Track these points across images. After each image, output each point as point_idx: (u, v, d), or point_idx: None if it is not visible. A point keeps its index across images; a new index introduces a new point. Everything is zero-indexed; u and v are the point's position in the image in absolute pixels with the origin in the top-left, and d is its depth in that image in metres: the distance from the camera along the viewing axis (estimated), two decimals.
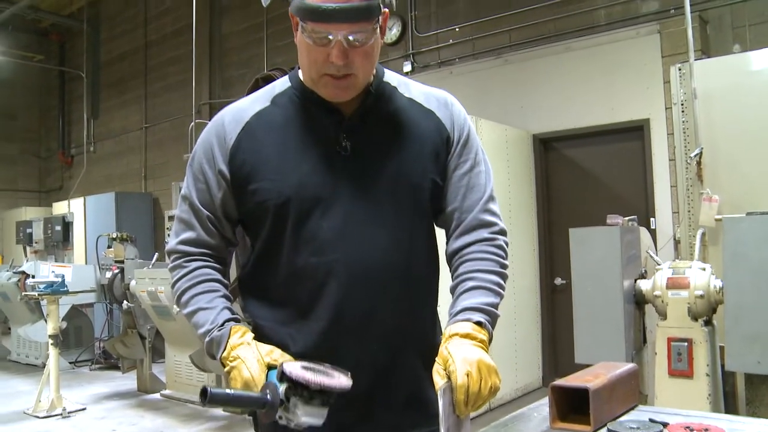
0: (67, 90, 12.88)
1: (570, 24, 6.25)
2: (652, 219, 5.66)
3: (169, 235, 1.59)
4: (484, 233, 1.53)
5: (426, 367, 1.42)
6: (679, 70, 4.61)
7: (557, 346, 6.36)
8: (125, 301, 6.63)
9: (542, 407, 1.60)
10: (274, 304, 1.52)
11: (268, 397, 1.27)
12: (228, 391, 1.29)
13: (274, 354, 1.38)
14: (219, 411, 5.83)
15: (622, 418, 1.53)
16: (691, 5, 4.61)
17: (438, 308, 1.63)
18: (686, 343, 3.52)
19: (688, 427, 1.37)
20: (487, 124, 5.79)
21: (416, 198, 1.51)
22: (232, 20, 9.59)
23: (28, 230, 10.37)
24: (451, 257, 1.56)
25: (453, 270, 1.54)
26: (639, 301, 3.82)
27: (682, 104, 4.58)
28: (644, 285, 3.77)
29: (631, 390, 1.64)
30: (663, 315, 3.65)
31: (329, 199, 1.45)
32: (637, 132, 5.83)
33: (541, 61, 6.37)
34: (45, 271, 6.93)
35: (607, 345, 3.70)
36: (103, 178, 11.56)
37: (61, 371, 6.02)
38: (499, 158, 5.86)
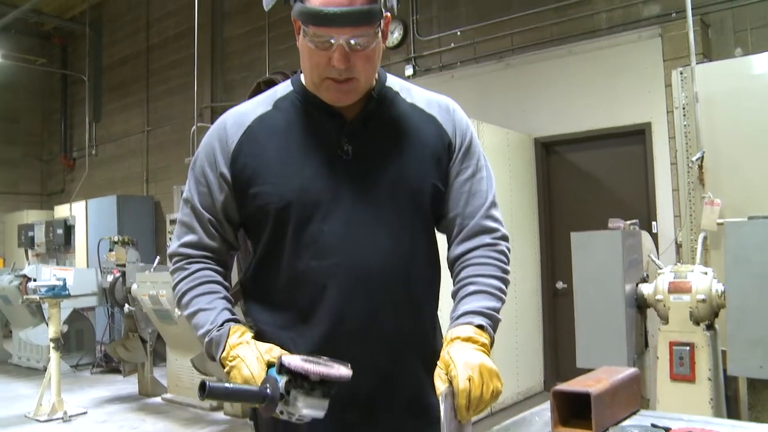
0: (69, 93, 12.90)
1: (571, 28, 6.25)
2: (653, 223, 5.65)
3: (170, 238, 1.60)
4: (486, 239, 1.54)
5: (427, 371, 1.41)
6: (681, 73, 4.60)
7: (559, 350, 6.35)
8: (126, 305, 6.63)
9: (544, 412, 1.60)
10: (276, 308, 1.52)
11: (268, 390, 1.26)
12: (227, 385, 1.28)
13: (274, 352, 1.37)
14: (220, 415, 5.83)
15: (623, 423, 1.53)
16: (692, 9, 4.60)
17: (439, 312, 1.63)
18: (688, 348, 3.52)
19: None
20: (488, 127, 5.79)
21: (417, 202, 1.51)
22: (234, 24, 9.60)
23: (30, 233, 10.38)
24: (453, 263, 1.55)
25: (455, 275, 1.54)
26: (641, 305, 3.81)
27: (683, 108, 4.58)
28: (646, 289, 3.77)
29: (633, 395, 1.64)
30: (665, 319, 3.64)
31: (330, 203, 1.46)
32: (638, 136, 5.83)
33: (542, 64, 6.37)
34: (47, 274, 6.93)
35: (609, 349, 3.69)
36: (105, 182, 11.57)
37: (62, 375, 6.02)
38: (500, 162, 5.86)
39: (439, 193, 1.54)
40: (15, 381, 7.65)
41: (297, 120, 1.52)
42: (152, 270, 6.35)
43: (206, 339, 1.45)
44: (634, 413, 1.62)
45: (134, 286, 6.36)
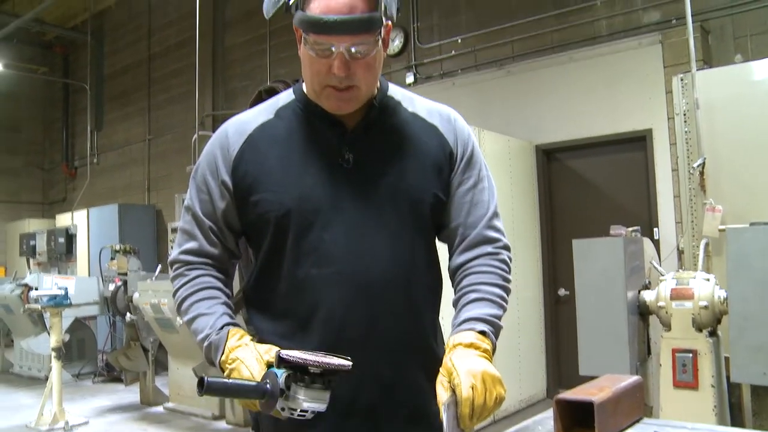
0: (70, 102, 12.95)
1: (572, 35, 6.26)
2: (655, 229, 5.65)
3: (172, 247, 1.60)
4: (487, 248, 1.54)
5: (429, 378, 1.41)
6: (681, 80, 4.61)
7: (561, 357, 6.34)
8: (128, 314, 6.63)
9: (547, 420, 1.59)
10: (276, 316, 1.52)
11: (268, 385, 1.25)
12: (226, 380, 1.28)
13: (273, 352, 1.36)
14: (223, 424, 5.81)
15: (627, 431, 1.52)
16: (692, 15, 4.61)
17: (441, 320, 1.62)
18: (691, 355, 3.50)
19: None
20: (489, 135, 5.79)
21: (417, 211, 1.51)
22: (235, 32, 9.63)
23: (32, 242, 10.40)
24: (454, 272, 1.56)
25: (456, 283, 1.54)
26: (643, 312, 3.80)
27: (684, 114, 4.58)
28: (648, 296, 3.76)
29: (636, 403, 1.63)
30: (667, 326, 3.63)
31: (331, 211, 1.46)
32: (639, 142, 5.83)
33: (543, 71, 6.38)
34: (48, 283, 6.93)
35: (612, 356, 3.68)
36: (107, 190, 11.59)
37: (63, 384, 6.01)
38: (501, 169, 5.86)
39: (440, 202, 1.54)
40: (16, 390, 7.64)
41: (298, 128, 1.52)
42: (154, 279, 6.35)
43: (205, 344, 1.45)
44: (638, 421, 1.61)
45: (136, 295, 6.36)
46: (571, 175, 6.40)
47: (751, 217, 3.79)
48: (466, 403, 1.26)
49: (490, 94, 6.72)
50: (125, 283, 6.78)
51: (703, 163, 4.40)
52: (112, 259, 7.14)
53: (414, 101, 1.61)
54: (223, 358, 1.40)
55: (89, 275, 9.05)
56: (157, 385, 6.77)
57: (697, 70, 4.55)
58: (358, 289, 1.45)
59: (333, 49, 1.36)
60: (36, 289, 6.74)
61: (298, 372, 1.24)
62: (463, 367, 1.30)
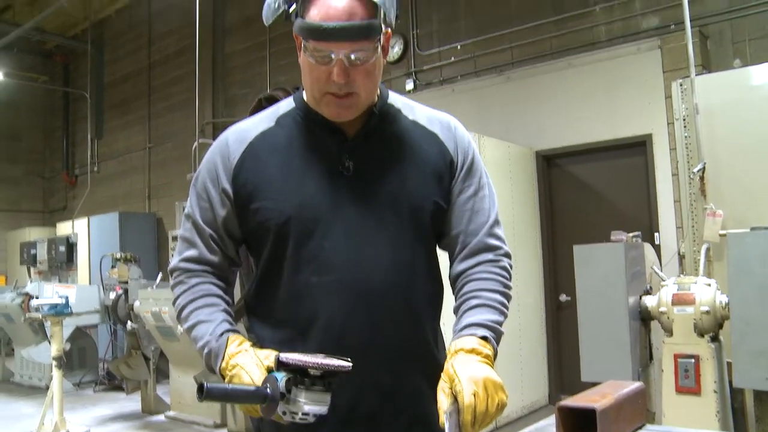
0: (71, 111, 12.97)
1: (571, 40, 6.27)
2: (656, 234, 5.64)
3: (173, 255, 1.61)
4: (488, 255, 1.54)
5: (430, 385, 1.40)
6: (681, 85, 4.61)
7: (563, 363, 6.32)
8: (129, 322, 6.62)
9: (549, 427, 1.59)
10: (277, 324, 1.52)
11: (268, 390, 1.25)
12: (226, 386, 1.27)
13: (272, 357, 1.36)
14: None
15: None
16: (691, 20, 4.62)
17: (442, 325, 1.62)
18: (693, 360, 3.49)
19: None
20: (489, 141, 5.80)
21: (418, 219, 1.52)
22: (235, 40, 9.65)
23: (32, 251, 10.39)
24: (455, 279, 1.56)
25: (457, 290, 1.54)
26: (644, 317, 3.79)
27: (684, 119, 4.58)
28: (649, 301, 3.75)
29: (639, 409, 1.62)
30: (669, 331, 3.62)
31: (331, 218, 1.46)
32: (639, 147, 5.83)
33: (543, 77, 6.39)
34: (49, 291, 6.92)
35: (613, 362, 3.67)
36: (107, 199, 11.59)
37: (64, 393, 5.99)
38: (502, 175, 5.86)
39: (440, 210, 1.55)
40: (17, 400, 7.62)
41: (298, 136, 1.52)
42: (155, 287, 6.34)
43: (205, 351, 1.45)
44: (640, 428, 1.60)
45: (137, 303, 6.35)
46: (572, 181, 6.40)
47: (752, 221, 3.79)
48: (469, 411, 1.26)
49: (490, 101, 6.72)
50: (126, 291, 6.77)
51: (703, 167, 4.40)
52: (113, 267, 7.14)
53: (414, 109, 1.61)
54: (224, 365, 1.40)
55: (90, 284, 9.04)
56: (159, 394, 6.75)
57: (696, 75, 4.56)
58: (358, 296, 1.45)
59: (332, 56, 1.37)
60: (37, 297, 6.73)
61: (298, 375, 1.24)
62: (465, 374, 1.30)
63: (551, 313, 6.39)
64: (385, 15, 1.38)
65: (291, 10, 1.40)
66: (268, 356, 1.37)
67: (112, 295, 6.86)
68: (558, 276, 6.41)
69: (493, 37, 6.77)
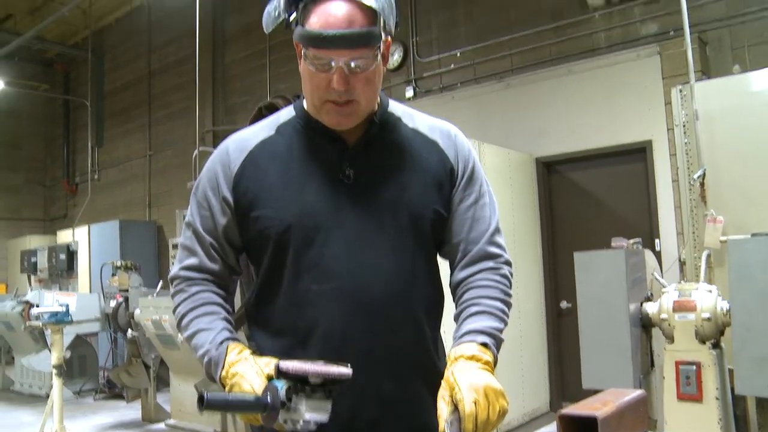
0: (71, 119, 12.99)
1: (571, 47, 6.29)
2: (656, 240, 5.64)
3: (173, 263, 1.61)
4: (489, 263, 1.54)
5: (431, 393, 1.40)
6: (680, 91, 4.62)
7: (564, 370, 6.31)
8: (129, 330, 6.61)
9: None
10: (277, 332, 1.52)
11: (269, 399, 1.25)
12: (226, 396, 1.27)
13: (273, 365, 1.36)
14: None
15: None
16: (690, 27, 4.63)
17: (443, 333, 1.62)
18: (694, 367, 3.48)
19: None
20: (489, 148, 5.80)
21: (418, 227, 1.51)
22: (235, 48, 9.67)
23: (33, 259, 10.39)
24: (455, 287, 1.56)
25: (457, 298, 1.54)
26: (645, 324, 3.78)
27: (683, 125, 4.59)
28: (650, 308, 3.74)
29: (640, 417, 1.62)
30: (670, 338, 3.61)
31: (331, 226, 1.46)
32: (639, 154, 5.84)
33: (542, 84, 6.40)
34: (49, 300, 6.93)
35: (614, 369, 3.66)
36: (108, 207, 11.59)
37: (64, 401, 5.97)
38: (502, 182, 5.86)
39: (440, 218, 1.55)
40: (17, 408, 7.61)
41: (298, 144, 1.52)
42: (155, 295, 6.33)
43: (205, 359, 1.45)
44: None
45: (137, 311, 6.34)
46: (572, 188, 6.40)
47: (752, 227, 3.79)
48: (470, 419, 1.26)
49: (490, 107, 6.73)
50: (126, 299, 6.77)
51: (704, 174, 4.40)
52: (113, 275, 7.14)
53: (414, 117, 1.61)
54: (224, 373, 1.40)
55: (90, 292, 9.03)
56: (159, 402, 6.73)
57: (696, 81, 4.56)
58: (358, 305, 1.44)
59: (332, 63, 1.38)
60: (37, 305, 6.72)
61: (299, 383, 1.24)
62: (465, 382, 1.30)
63: (552, 320, 6.38)
64: (384, 22, 1.39)
65: (291, 18, 1.41)
66: (268, 364, 1.36)
67: (113, 303, 6.86)
68: (559, 283, 6.40)
69: (493, 44, 6.79)
